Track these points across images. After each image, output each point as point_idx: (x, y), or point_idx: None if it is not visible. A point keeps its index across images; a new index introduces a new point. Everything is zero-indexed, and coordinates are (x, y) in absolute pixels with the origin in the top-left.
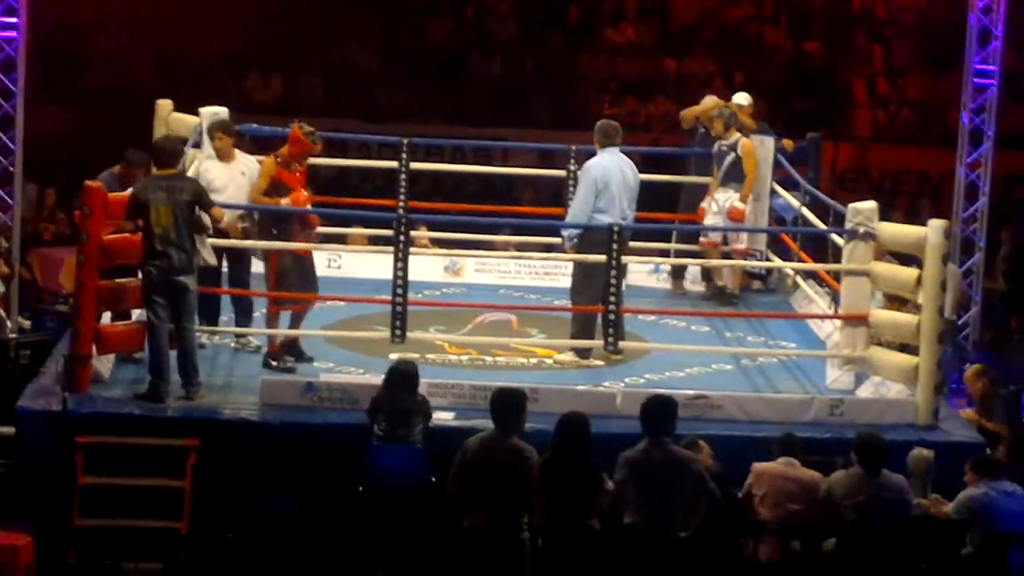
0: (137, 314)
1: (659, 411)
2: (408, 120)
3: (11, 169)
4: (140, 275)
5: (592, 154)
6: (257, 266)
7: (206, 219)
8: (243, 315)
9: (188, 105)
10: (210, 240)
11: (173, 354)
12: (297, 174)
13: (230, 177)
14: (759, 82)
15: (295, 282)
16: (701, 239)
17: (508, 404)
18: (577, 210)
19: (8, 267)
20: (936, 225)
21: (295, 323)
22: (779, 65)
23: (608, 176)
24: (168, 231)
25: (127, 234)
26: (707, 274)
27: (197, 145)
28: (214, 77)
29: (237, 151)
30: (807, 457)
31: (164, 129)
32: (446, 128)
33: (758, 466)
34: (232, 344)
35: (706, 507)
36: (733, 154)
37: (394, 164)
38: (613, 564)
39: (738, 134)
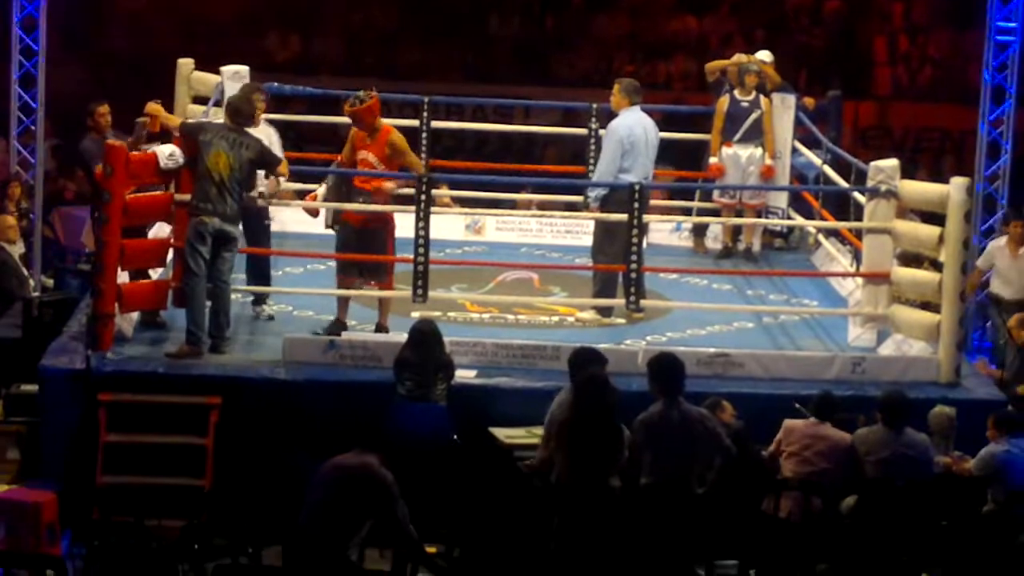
0: (158, 273)
1: (671, 370)
2: (428, 78)
3: (33, 128)
4: (189, 223)
5: (613, 113)
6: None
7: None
8: (259, 279)
9: (208, 64)
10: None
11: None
12: (372, 138)
13: None
14: (780, 40)
15: (355, 251)
16: (718, 198)
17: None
18: (604, 170)
19: (25, 220)
20: (959, 183)
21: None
22: (800, 23)
23: (633, 135)
24: (224, 180)
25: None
26: (700, 230)
27: (219, 103)
28: (233, 36)
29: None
30: (839, 415)
31: (186, 88)
32: (466, 86)
33: (789, 423)
34: (250, 309)
35: (720, 463)
36: (759, 111)
37: (415, 123)
38: (633, 521)
39: (756, 91)
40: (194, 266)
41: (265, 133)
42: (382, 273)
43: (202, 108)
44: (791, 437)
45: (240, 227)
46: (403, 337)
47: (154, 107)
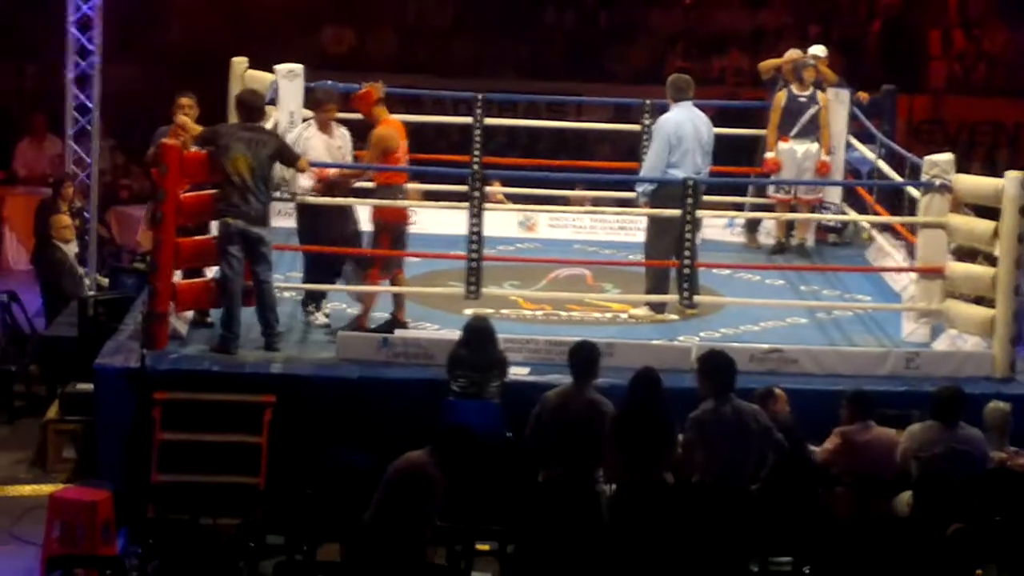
0: (213, 271)
1: (723, 368)
2: (481, 75)
3: (88, 127)
4: (216, 227)
5: (667, 108)
6: None
7: (287, 173)
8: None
9: (262, 61)
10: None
11: (246, 310)
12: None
13: (326, 149)
14: (834, 34)
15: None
16: (773, 193)
17: (583, 357)
18: (651, 165)
19: (78, 220)
20: (1013, 176)
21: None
22: (854, 17)
23: (681, 131)
24: (246, 181)
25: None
26: (753, 226)
27: (272, 102)
28: (288, 32)
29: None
30: (882, 410)
31: (240, 87)
32: (519, 83)
33: (846, 436)
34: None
35: (774, 459)
36: (816, 106)
37: (468, 120)
38: (686, 518)
39: (813, 87)
40: (226, 268)
41: (340, 135)
42: (368, 266)
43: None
44: (856, 453)
45: (268, 227)
46: (456, 334)
47: (182, 119)
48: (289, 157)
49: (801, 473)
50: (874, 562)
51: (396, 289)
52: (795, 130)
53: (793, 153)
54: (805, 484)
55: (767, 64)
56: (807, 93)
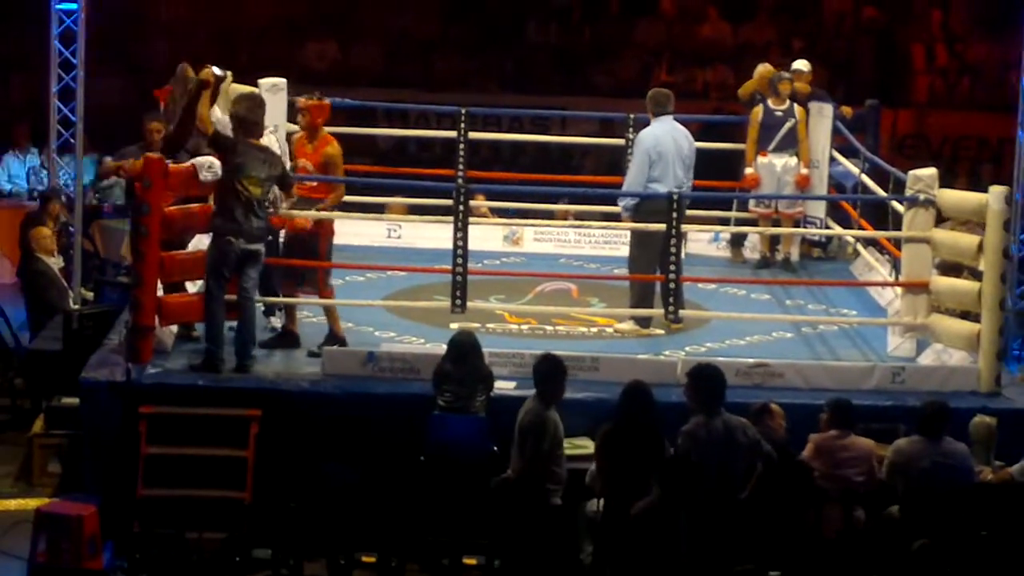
0: (197, 286)
1: (714, 382)
2: (466, 89)
3: (72, 141)
4: (213, 242)
5: (649, 122)
6: None
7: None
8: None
9: (247, 75)
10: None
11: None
12: (312, 145)
13: None
14: (818, 49)
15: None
16: (754, 208)
17: (539, 372)
18: (632, 180)
19: (63, 236)
20: (997, 191)
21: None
22: (838, 31)
23: (661, 145)
24: (253, 200)
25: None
26: (738, 240)
27: None
28: (272, 46)
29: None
30: (868, 425)
31: (224, 101)
32: (504, 96)
33: (818, 442)
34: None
35: (762, 469)
36: (793, 120)
37: (452, 134)
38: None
39: (789, 100)
40: (215, 287)
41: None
42: (314, 281)
43: None
44: (826, 458)
45: (264, 243)
46: (442, 349)
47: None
48: (288, 182)
49: (791, 489)
50: None
51: (382, 303)
52: (773, 144)
53: (772, 167)
54: (794, 500)
55: (745, 89)
56: (783, 107)
